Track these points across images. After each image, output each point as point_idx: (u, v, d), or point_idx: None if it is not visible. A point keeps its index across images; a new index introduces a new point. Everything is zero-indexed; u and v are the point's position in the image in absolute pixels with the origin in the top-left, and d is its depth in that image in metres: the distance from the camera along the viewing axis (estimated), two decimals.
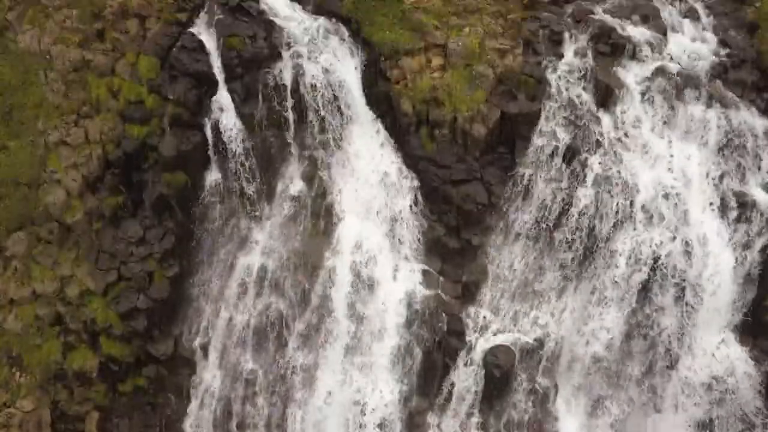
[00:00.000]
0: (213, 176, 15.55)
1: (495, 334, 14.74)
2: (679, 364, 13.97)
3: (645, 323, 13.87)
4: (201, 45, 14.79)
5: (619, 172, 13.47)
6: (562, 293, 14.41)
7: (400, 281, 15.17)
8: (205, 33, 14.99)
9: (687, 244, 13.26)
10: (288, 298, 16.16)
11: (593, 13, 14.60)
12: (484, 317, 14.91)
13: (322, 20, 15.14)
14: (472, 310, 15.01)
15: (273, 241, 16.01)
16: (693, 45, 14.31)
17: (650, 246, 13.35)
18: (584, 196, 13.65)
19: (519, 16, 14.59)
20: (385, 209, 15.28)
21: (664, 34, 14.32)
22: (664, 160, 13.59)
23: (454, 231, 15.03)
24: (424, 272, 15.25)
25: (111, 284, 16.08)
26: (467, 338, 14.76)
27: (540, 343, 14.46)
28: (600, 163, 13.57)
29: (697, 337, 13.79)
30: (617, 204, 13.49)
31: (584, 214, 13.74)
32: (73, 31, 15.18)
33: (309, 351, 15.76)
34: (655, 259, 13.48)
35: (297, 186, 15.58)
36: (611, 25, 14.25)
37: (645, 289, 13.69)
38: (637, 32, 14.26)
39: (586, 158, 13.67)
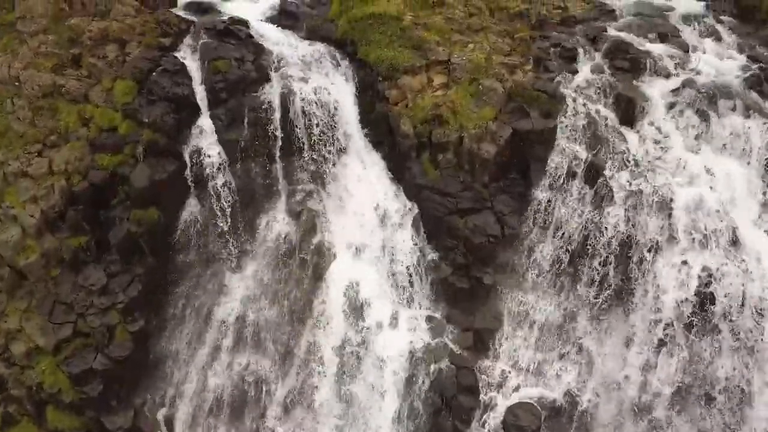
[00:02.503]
0: (189, 212, 13.78)
1: (515, 390, 12.27)
2: (743, 423, 11.31)
3: (698, 371, 11.41)
4: (183, 68, 13.65)
5: (652, 189, 11.68)
6: (594, 338, 12.09)
7: (401, 330, 12.99)
8: (189, 57, 13.87)
9: (740, 269, 11.16)
10: (269, 356, 13.83)
11: (606, 31, 13.51)
12: (502, 370, 12.53)
13: (315, 45, 14.04)
14: (486, 362, 12.75)
15: (254, 287, 13.97)
16: (719, 61, 13.09)
17: (698, 273, 11.23)
18: (614, 217, 11.75)
19: (527, 34, 13.52)
20: (382, 246, 13.34)
21: (686, 51, 13.14)
22: (702, 176, 11.87)
23: (463, 269, 13.04)
24: (429, 319, 13.11)
25: (64, 341, 13.98)
26: (482, 396, 12.33)
27: (570, 399, 11.90)
28: (629, 180, 11.79)
29: (764, 388, 11.28)
30: (653, 226, 11.55)
31: (615, 239, 11.78)
32: (47, 56, 14.13)
33: (293, 420, 13.28)
34: (703, 290, 11.31)
35: (283, 222, 13.84)
36: (628, 41, 13.10)
37: (693, 326, 11.39)
38: (657, 48, 13.11)
39: (613, 176, 11.93)
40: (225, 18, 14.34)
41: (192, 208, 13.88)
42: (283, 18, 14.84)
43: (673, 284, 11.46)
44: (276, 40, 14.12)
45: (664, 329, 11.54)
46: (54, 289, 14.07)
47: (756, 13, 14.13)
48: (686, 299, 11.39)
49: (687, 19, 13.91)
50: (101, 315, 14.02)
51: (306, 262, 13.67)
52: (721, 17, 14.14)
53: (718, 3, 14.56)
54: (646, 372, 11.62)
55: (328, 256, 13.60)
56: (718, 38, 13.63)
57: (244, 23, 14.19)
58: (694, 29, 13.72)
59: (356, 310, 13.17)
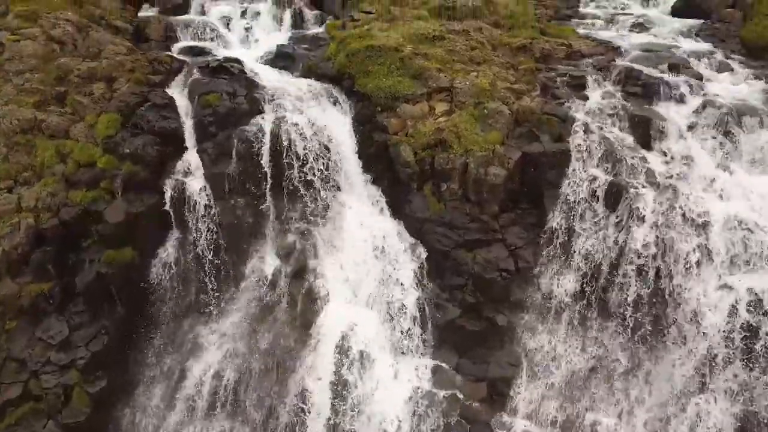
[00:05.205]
0: (167, 254, 12.46)
1: None
2: None
3: (758, 413, 9.51)
4: (171, 102, 12.97)
5: (683, 207, 10.46)
6: (630, 382, 10.27)
7: (403, 382, 11.17)
8: (178, 93, 13.26)
9: None
10: (249, 420, 11.87)
11: (615, 61, 12.99)
12: (523, 426, 10.51)
13: (310, 81, 13.51)
14: (504, 416, 10.82)
15: (236, 339, 12.28)
16: (737, 87, 12.42)
17: (744, 297, 9.71)
18: (642, 240, 10.43)
19: (533, 66, 12.96)
20: (381, 289, 11.88)
21: (700, 79, 12.53)
22: (734, 192, 10.69)
23: (473, 310, 11.49)
24: (435, 369, 11.35)
25: (11, 403, 11.98)
26: None
27: None
28: (655, 199, 10.60)
29: None
30: (689, 248, 10.19)
31: (645, 264, 10.37)
32: (31, 92, 13.49)
33: None
34: (752, 316, 9.73)
35: (271, 264, 12.45)
36: (639, 68, 12.52)
37: (745, 359, 9.66)
38: (670, 75, 12.48)
39: (637, 196, 10.75)
40: (219, 57, 13.89)
41: (170, 249, 12.57)
42: (279, 60, 14.46)
43: (718, 312, 9.86)
44: (270, 77, 13.56)
45: (713, 365, 9.75)
46: (6, 343, 12.36)
47: (765, 54, 13.67)
48: (734, 327, 9.72)
49: (696, 55, 13.45)
50: (58, 373, 12.26)
51: (296, 308, 12.11)
52: (730, 55, 13.69)
53: (725, 44, 14.23)
54: (695, 418, 9.66)
55: (320, 301, 12.08)
56: (731, 70, 13.06)
57: (238, 61, 13.72)
58: (705, 64, 13.17)
59: (351, 361, 11.41)
